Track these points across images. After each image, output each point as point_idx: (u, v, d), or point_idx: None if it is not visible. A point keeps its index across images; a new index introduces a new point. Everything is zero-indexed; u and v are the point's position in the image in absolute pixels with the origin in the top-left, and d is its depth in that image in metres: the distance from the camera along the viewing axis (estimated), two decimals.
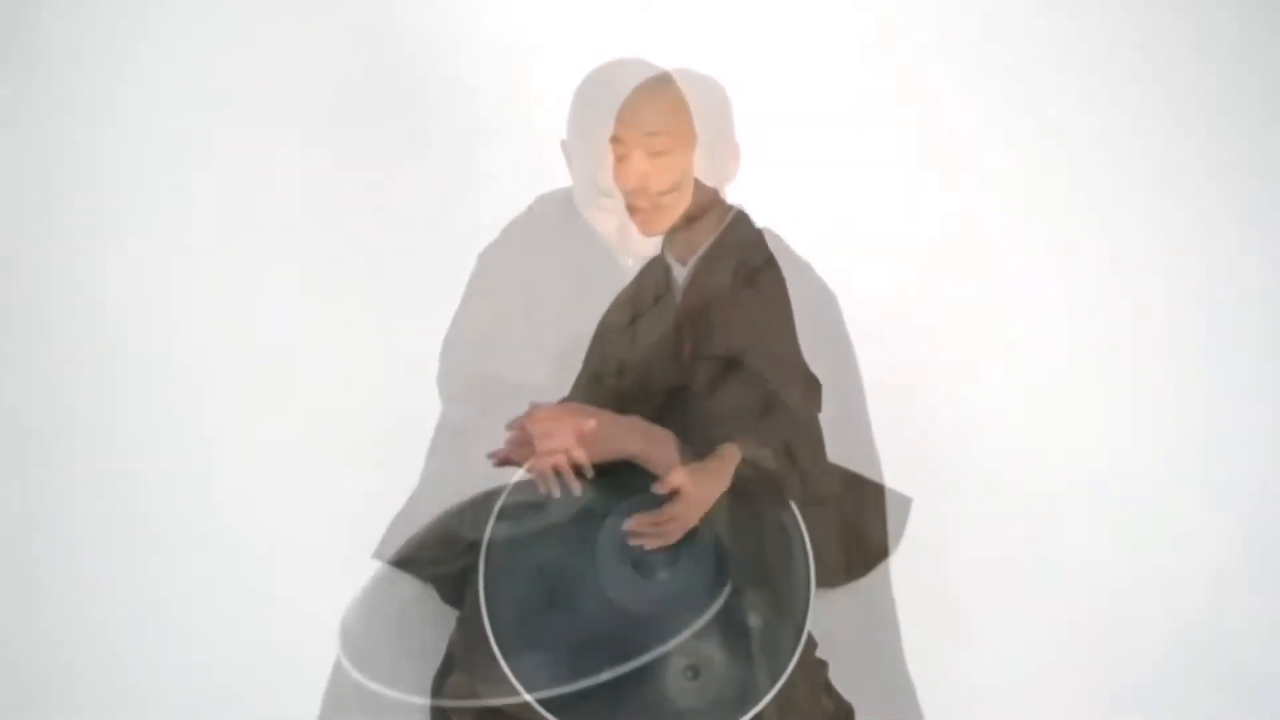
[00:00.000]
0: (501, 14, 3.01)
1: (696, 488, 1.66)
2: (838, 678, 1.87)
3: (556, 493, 1.67)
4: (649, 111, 1.85)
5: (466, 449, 2.08)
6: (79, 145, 3.08)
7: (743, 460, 1.71)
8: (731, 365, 1.80)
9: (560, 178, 2.48)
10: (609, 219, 2.21)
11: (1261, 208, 3.04)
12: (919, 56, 3.02)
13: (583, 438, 1.68)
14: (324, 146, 3.04)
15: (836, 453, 1.85)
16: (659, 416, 1.89)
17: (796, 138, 2.84)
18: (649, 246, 1.98)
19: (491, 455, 1.79)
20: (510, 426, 1.77)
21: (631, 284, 2.06)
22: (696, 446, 1.75)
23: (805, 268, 1.91)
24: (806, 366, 1.80)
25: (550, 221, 2.49)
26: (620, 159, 1.87)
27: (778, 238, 1.95)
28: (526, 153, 2.82)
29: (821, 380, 1.83)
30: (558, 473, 1.68)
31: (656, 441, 1.72)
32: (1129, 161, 3.03)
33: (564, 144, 2.44)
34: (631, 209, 1.89)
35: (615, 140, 1.88)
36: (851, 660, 1.89)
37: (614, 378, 2.00)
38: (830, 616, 1.78)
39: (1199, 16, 3.02)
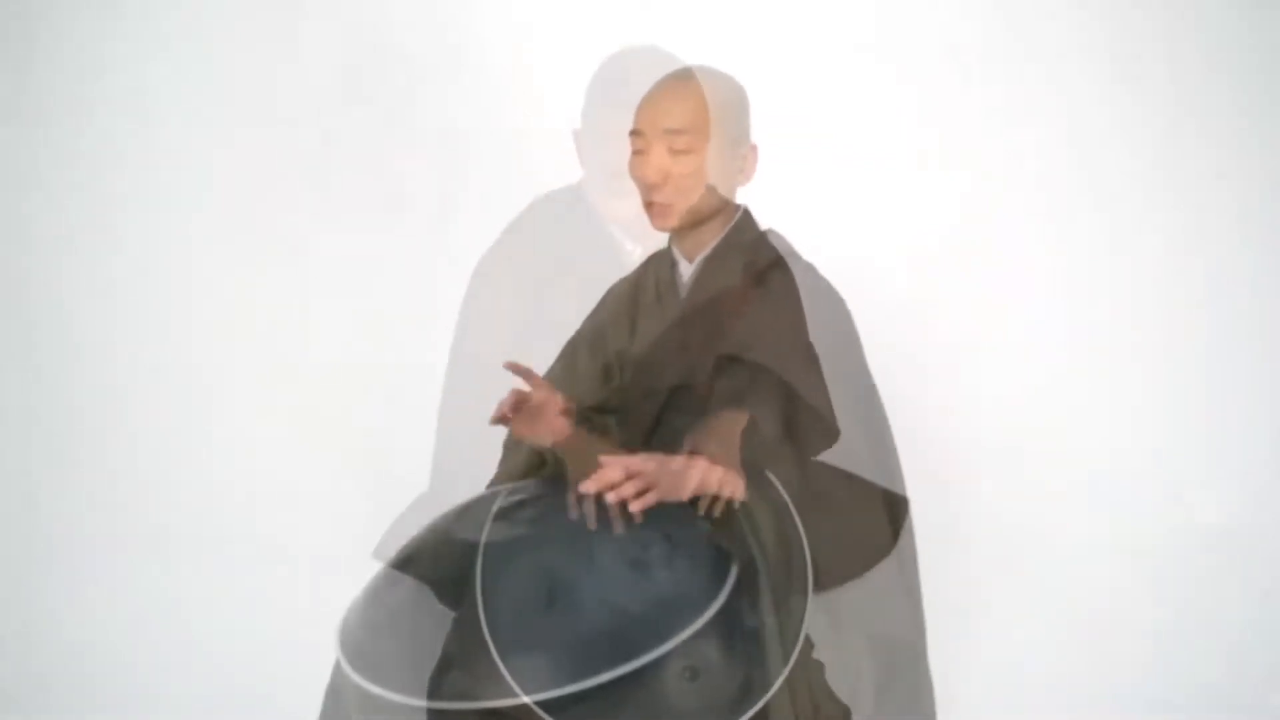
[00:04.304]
0: (501, 12, 3.01)
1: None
2: (835, 678, 1.87)
3: (578, 515, 1.63)
4: (673, 109, 1.84)
5: (476, 456, 2.09)
6: (80, 147, 3.08)
7: (747, 428, 1.70)
8: (737, 363, 1.80)
9: (558, 175, 2.48)
10: (625, 203, 2.21)
11: (1263, 207, 3.04)
12: (922, 56, 3.03)
13: (656, 485, 1.61)
14: (325, 149, 3.05)
15: (846, 459, 1.85)
16: (662, 414, 1.89)
17: (799, 136, 2.84)
18: (661, 235, 1.98)
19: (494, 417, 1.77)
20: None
21: (631, 277, 2.04)
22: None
23: (811, 271, 1.91)
24: (818, 363, 1.79)
25: (551, 221, 2.49)
26: (639, 153, 1.87)
27: (784, 239, 1.95)
28: (527, 152, 2.83)
29: (833, 384, 1.82)
30: (599, 505, 1.63)
31: (728, 471, 1.66)
32: (1130, 161, 3.03)
33: (576, 133, 2.44)
34: (648, 204, 1.89)
35: (635, 134, 1.87)
36: (850, 661, 1.89)
37: (616, 372, 2.00)
38: (828, 617, 1.78)
39: (1201, 16, 3.01)
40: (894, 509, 1.87)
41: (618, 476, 1.58)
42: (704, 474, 1.64)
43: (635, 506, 1.58)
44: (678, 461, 1.64)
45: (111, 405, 3.07)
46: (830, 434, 1.77)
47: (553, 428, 1.80)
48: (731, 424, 1.72)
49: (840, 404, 1.79)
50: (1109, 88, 3.01)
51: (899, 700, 1.87)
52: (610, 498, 1.58)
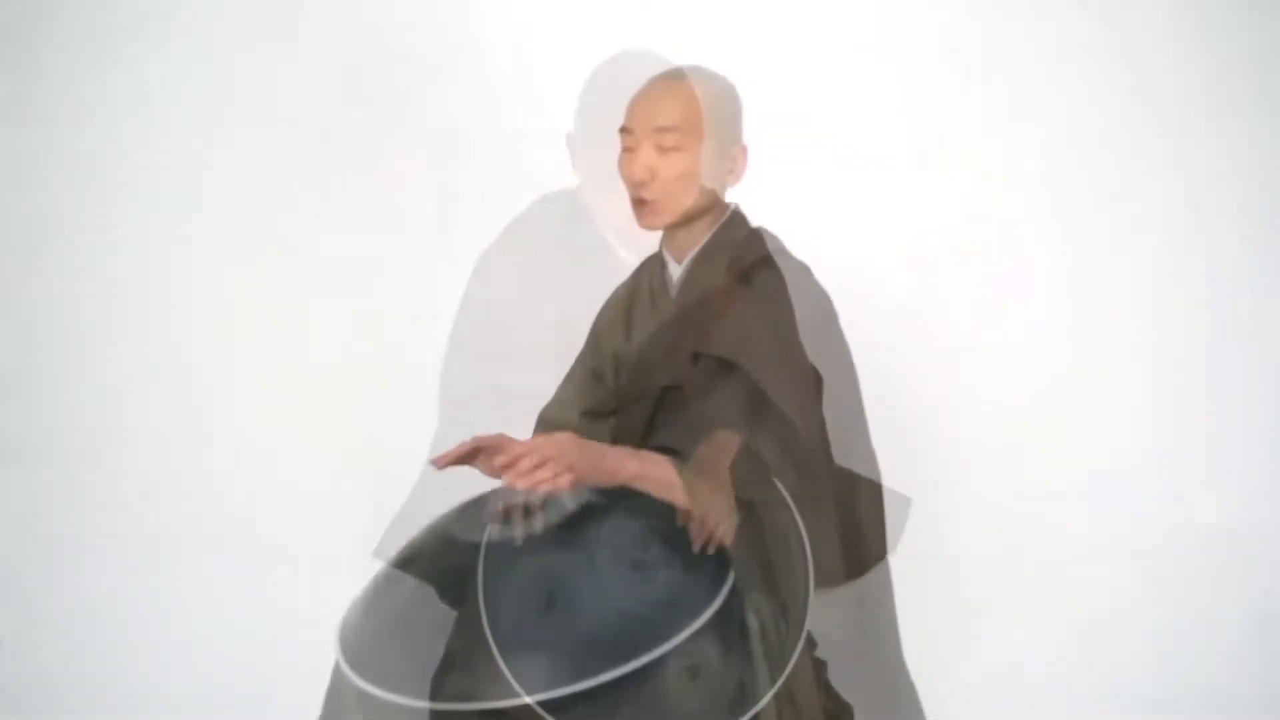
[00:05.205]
0: (501, 12, 3.01)
1: (700, 501, 1.65)
2: (837, 678, 1.87)
3: (518, 529, 1.64)
4: (663, 107, 1.85)
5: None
6: (80, 147, 3.08)
7: (740, 454, 1.70)
8: (726, 363, 1.80)
9: (557, 175, 2.48)
10: (619, 204, 2.21)
11: (1263, 207, 3.04)
12: (922, 56, 3.02)
13: (574, 467, 1.61)
14: (325, 149, 3.04)
15: (835, 454, 1.85)
16: (654, 414, 1.89)
17: (799, 136, 2.84)
18: (653, 237, 1.98)
19: (437, 460, 1.74)
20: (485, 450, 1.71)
21: (628, 281, 2.06)
22: (693, 446, 1.74)
23: (803, 269, 1.91)
24: (805, 361, 1.79)
25: (551, 223, 2.50)
26: (627, 150, 1.88)
27: (775, 238, 1.95)
28: (527, 152, 2.83)
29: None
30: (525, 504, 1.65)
31: (652, 463, 1.69)
32: (1130, 161, 3.02)
33: (569, 136, 2.45)
34: (635, 201, 1.89)
35: (625, 131, 1.88)
36: (851, 660, 1.89)
37: (611, 375, 2.00)
38: (829, 616, 1.78)
39: (1201, 16, 3.01)
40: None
41: (531, 465, 1.58)
42: (619, 459, 1.64)
43: (544, 486, 1.57)
44: (596, 445, 1.64)
45: (111, 405, 3.07)
46: (797, 434, 1.77)
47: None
48: (721, 447, 1.72)
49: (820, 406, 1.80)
50: (1109, 88, 3.01)
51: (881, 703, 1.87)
52: (533, 488, 1.58)
